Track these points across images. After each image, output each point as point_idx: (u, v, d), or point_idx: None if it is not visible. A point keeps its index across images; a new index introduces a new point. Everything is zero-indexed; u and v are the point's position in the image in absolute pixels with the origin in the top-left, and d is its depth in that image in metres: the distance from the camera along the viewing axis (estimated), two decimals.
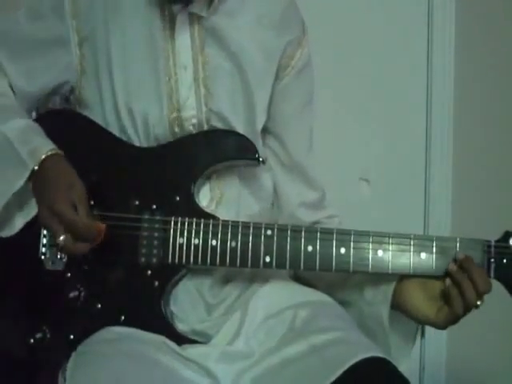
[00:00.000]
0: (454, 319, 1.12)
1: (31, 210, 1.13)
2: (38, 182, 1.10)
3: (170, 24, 1.18)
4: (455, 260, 1.12)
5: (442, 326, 1.14)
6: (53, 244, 1.14)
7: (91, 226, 1.08)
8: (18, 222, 1.14)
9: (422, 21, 2.24)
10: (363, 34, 2.20)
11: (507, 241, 1.13)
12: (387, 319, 1.16)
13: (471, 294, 1.09)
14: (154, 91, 1.18)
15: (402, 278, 1.16)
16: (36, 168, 1.10)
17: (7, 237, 1.15)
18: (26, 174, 1.10)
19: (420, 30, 2.25)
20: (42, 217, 1.09)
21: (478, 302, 1.09)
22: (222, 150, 1.18)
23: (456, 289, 1.10)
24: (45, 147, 1.12)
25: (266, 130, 1.27)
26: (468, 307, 1.10)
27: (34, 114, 1.27)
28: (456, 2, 2.21)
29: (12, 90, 1.23)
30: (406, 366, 1.13)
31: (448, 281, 1.12)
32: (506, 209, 2.05)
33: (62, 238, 1.06)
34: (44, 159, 1.11)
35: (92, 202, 1.13)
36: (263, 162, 1.18)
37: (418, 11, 2.24)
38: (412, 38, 2.25)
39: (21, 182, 1.10)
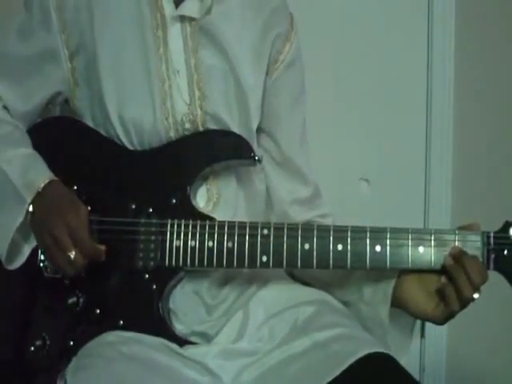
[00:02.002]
0: (451, 315, 1.11)
1: (34, 238, 1.14)
2: (40, 210, 1.11)
3: (162, 27, 1.18)
4: (450, 254, 1.10)
5: (440, 322, 1.13)
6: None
7: (96, 246, 1.10)
8: (26, 250, 1.16)
9: (422, 21, 2.24)
10: (363, 34, 2.20)
11: (507, 231, 1.11)
12: (387, 319, 1.16)
13: (468, 289, 1.07)
14: (146, 97, 1.17)
15: (400, 273, 1.15)
16: (33, 199, 1.11)
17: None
18: (25, 209, 1.11)
19: (420, 30, 2.24)
20: (48, 236, 1.09)
21: (475, 296, 1.08)
22: (218, 150, 1.18)
23: (451, 286, 1.09)
24: (41, 177, 1.14)
25: (259, 129, 1.26)
26: (465, 302, 1.08)
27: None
28: (456, 1, 2.21)
29: (8, 110, 1.23)
30: (404, 361, 1.12)
31: (443, 278, 1.11)
32: (506, 209, 2.03)
33: (74, 253, 1.07)
34: (42, 188, 1.12)
35: (89, 208, 1.13)
36: (259, 161, 1.18)
37: (418, 11, 2.24)
38: (412, 37, 2.25)
39: (21, 218, 1.11)
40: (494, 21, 2.15)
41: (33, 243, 1.15)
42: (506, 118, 2.13)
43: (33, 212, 1.11)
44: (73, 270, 1.09)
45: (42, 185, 1.12)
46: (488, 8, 2.16)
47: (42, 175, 1.14)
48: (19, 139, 1.21)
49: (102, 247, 1.10)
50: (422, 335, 2.19)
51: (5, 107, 1.23)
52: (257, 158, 1.17)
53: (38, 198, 1.12)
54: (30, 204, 1.11)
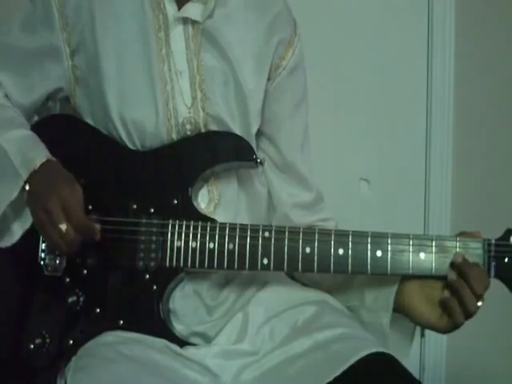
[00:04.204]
0: (455, 327, 1.11)
1: (28, 219, 1.13)
2: (35, 187, 1.10)
3: (164, 28, 1.18)
4: (453, 264, 1.10)
5: (444, 332, 1.13)
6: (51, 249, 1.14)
7: (90, 223, 1.09)
8: (17, 231, 1.14)
9: (422, 21, 2.24)
10: (363, 34, 2.20)
11: (508, 239, 1.11)
12: (388, 327, 1.16)
13: (472, 302, 1.07)
14: (148, 98, 1.17)
15: (402, 280, 1.15)
16: (29, 177, 1.11)
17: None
18: (20, 185, 1.11)
19: (420, 30, 2.24)
20: (42, 211, 1.08)
21: (479, 303, 1.08)
22: (220, 151, 1.18)
23: (455, 299, 1.09)
24: (38, 156, 1.13)
25: (259, 133, 1.26)
26: (469, 315, 1.08)
27: (36, 118, 1.28)
28: (456, 1, 2.21)
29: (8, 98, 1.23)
30: (404, 364, 1.12)
31: (447, 292, 1.11)
32: (506, 209, 2.04)
33: (65, 225, 1.06)
34: (39, 167, 1.11)
35: (90, 207, 1.13)
36: (261, 163, 1.19)
37: (418, 11, 2.24)
38: (412, 37, 2.25)
39: (15, 193, 1.11)
40: (494, 21, 2.14)
41: (25, 224, 1.13)
42: (506, 118, 2.12)
43: (29, 190, 1.11)
44: (65, 244, 1.07)
45: (39, 163, 1.11)
46: (488, 8, 2.15)
47: (39, 154, 1.14)
48: (21, 123, 1.21)
49: (97, 226, 1.10)
50: (422, 335, 2.19)
51: (6, 96, 1.23)
52: (258, 160, 1.17)
53: (35, 176, 1.11)
54: (26, 182, 1.10)
